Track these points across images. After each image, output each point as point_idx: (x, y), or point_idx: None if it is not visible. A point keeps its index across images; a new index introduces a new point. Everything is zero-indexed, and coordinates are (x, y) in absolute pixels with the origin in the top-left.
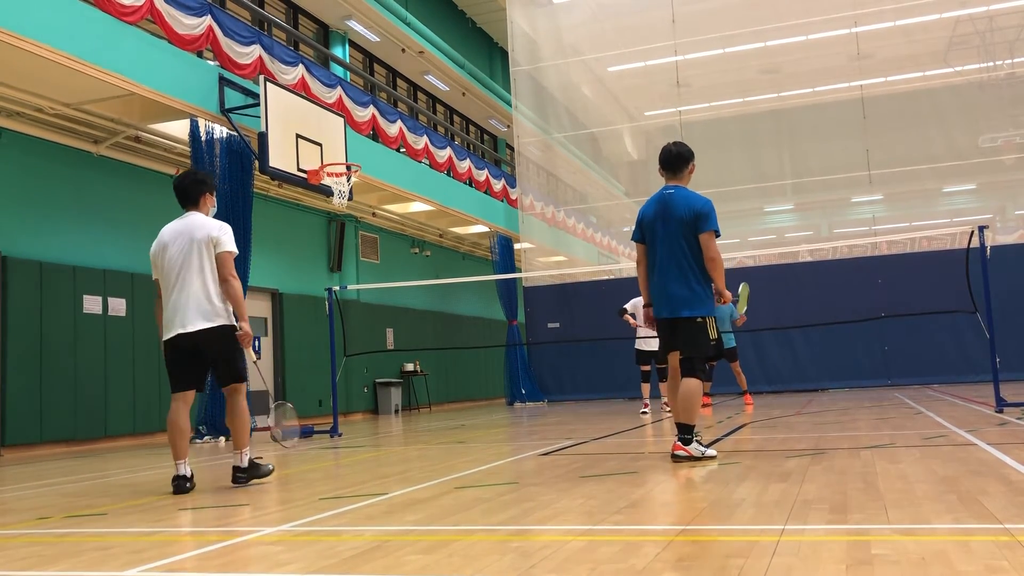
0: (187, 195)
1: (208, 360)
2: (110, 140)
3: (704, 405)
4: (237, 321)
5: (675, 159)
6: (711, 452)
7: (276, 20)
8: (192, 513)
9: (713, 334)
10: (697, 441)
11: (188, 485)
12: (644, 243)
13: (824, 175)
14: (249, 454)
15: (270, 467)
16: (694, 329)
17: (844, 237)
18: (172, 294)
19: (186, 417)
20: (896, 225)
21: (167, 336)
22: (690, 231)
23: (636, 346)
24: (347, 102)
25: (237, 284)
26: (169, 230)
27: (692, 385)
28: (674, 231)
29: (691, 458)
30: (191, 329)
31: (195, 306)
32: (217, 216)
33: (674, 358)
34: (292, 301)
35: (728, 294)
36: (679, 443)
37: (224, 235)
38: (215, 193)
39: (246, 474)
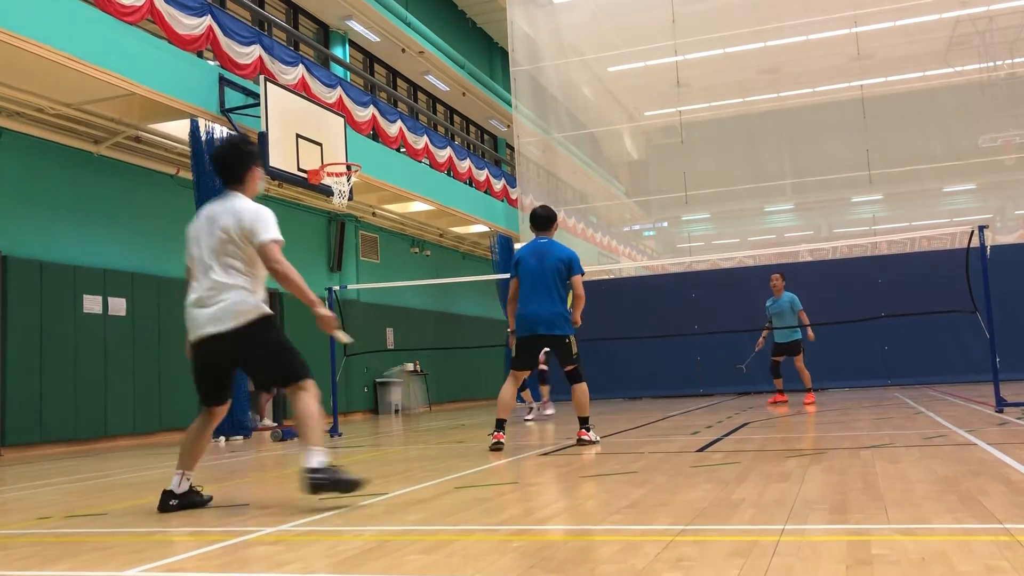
0: (231, 170)
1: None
2: (110, 140)
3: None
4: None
5: (543, 220)
6: (598, 439)
7: (276, 20)
8: (192, 513)
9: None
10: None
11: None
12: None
13: (824, 175)
14: (320, 456)
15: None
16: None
17: (844, 237)
18: None
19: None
20: (896, 225)
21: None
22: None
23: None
24: (347, 102)
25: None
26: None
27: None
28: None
29: (591, 442)
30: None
31: None
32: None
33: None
34: (292, 301)
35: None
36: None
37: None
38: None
39: (321, 480)
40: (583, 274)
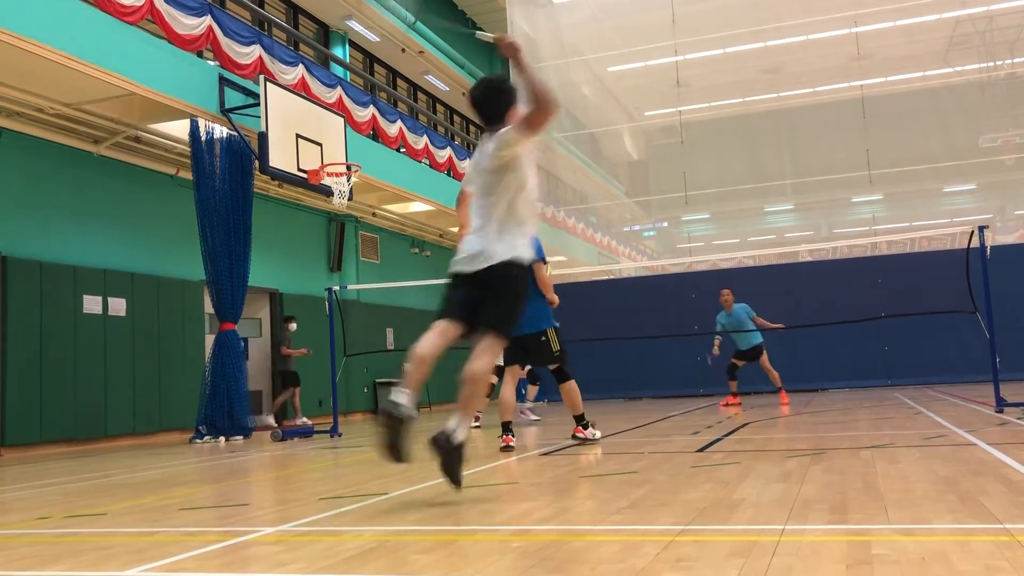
0: (491, 110)
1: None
2: (110, 140)
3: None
4: None
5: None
6: (599, 435)
7: (276, 20)
8: (192, 513)
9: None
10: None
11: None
12: None
13: (824, 175)
14: (465, 432)
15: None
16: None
17: (844, 237)
18: None
19: None
20: (896, 225)
21: None
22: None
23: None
24: (347, 102)
25: None
26: None
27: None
28: None
29: (591, 440)
30: None
31: None
32: (216, 218)
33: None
34: (292, 301)
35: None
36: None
37: None
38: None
39: (446, 446)
40: (544, 260)
